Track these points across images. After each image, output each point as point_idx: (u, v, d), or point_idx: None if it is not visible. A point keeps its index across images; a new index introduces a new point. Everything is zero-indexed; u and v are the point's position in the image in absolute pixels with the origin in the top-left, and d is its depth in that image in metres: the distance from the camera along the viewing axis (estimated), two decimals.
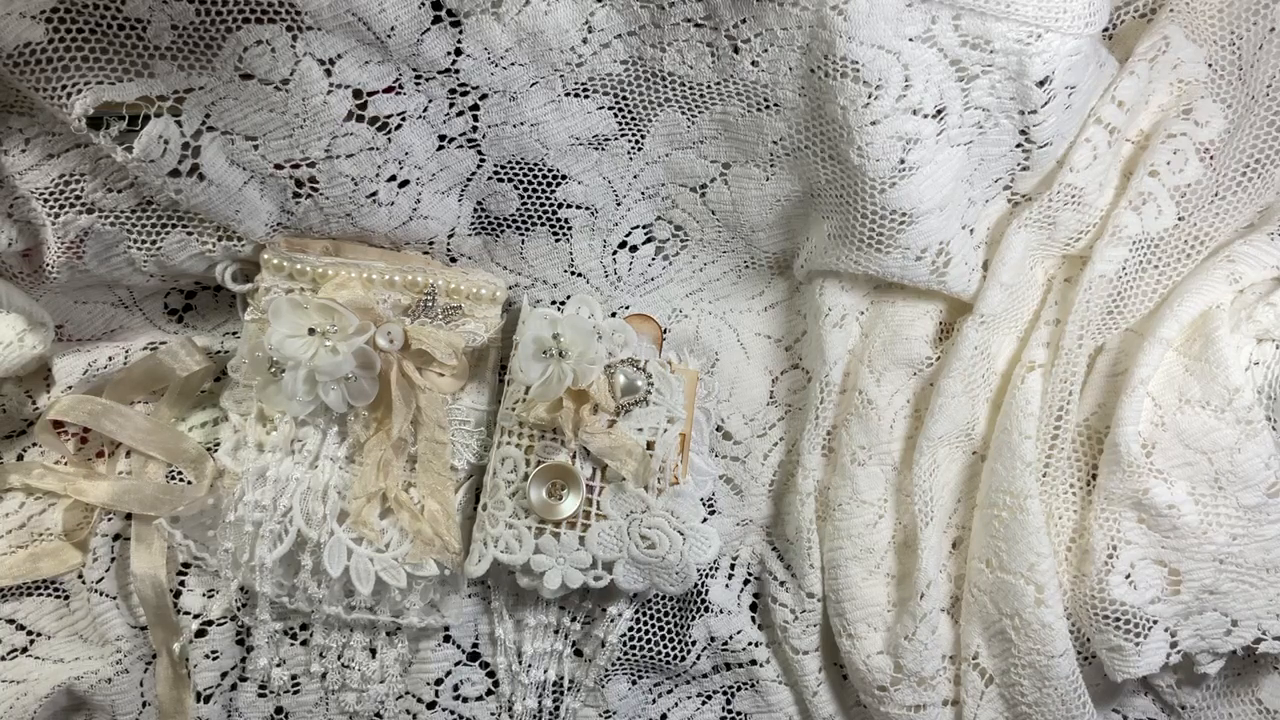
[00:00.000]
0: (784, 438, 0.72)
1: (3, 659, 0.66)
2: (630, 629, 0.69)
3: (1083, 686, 0.64)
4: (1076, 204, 0.66)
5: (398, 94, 0.61)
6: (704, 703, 0.71)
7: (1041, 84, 0.60)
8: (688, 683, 0.71)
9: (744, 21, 0.59)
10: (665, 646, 0.69)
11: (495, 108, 0.63)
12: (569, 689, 0.69)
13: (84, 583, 0.66)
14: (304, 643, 0.68)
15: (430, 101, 0.62)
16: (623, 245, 0.71)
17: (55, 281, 0.64)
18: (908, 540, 0.68)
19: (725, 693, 0.71)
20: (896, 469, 0.68)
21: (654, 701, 0.71)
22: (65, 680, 0.64)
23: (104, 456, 0.68)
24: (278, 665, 0.67)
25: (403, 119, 0.62)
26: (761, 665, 0.70)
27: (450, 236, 0.67)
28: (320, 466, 0.64)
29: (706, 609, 0.69)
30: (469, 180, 0.66)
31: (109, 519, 0.66)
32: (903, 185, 0.61)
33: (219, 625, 0.67)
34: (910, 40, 0.58)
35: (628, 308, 0.72)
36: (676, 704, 0.71)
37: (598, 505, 0.63)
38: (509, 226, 0.68)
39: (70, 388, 0.65)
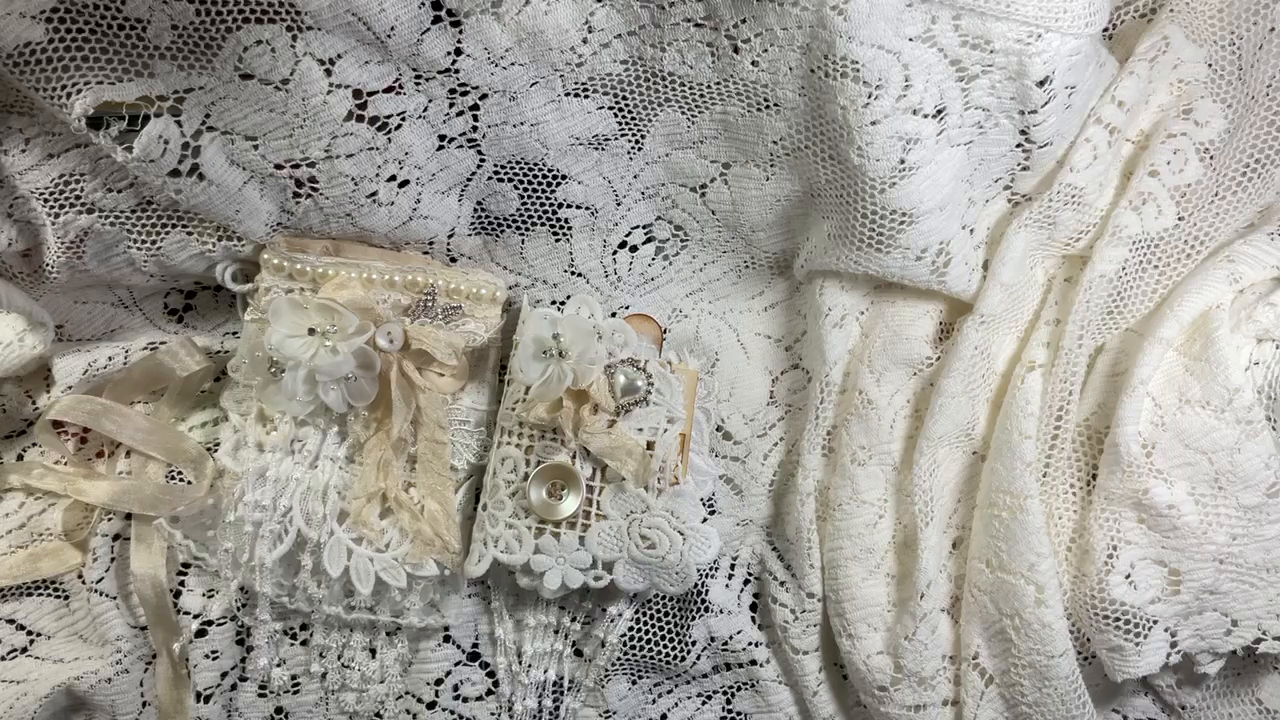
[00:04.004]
0: (784, 438, 0.72)
1: (3, 659, 0.66)
2: (630, 629, 0.69)
3: (1083, 686, 0.64)
4: (1076, 204, 0.66)
5: (398, 94, 0.61)
6: (704, 703, 0.71)
7: (1041, 84, 0.60)
8: (688, 683, 0.71)
9: (744, 21, 0.59)
10: (665, 646, 0.69)
11: (495, 108, 0.63)
12: (569, 689, 0.69)
13: (84, 583, 0.66)
14: (304, 643, 0.68)
15: (430, 101, 0.62)
16: (623, 245, 0.71)
17: (55, 281, 0.64)
18: (908, 540, 0.68)
19: (725, 693, 0.71)
20: (896, 469, 0.68)
21: (654, 701, 0.71)
22: (65, 680, 0.64)
23: (104, 456, 0.68)
24: (278, 665, 0.67)
25: (403, 119, 0.62)
26: (761, 665, 0.70)
27: (450, 236, 0.67)
28: (320, 466, 0.64)
29: (706, 609, 0.69)
30: (469, 180, 0.66)
31: (109, 519, 0.66)
32: (903, 185, 0.61)
33: (219, 625, 0.67)
34: (910, 40, 0.58)
35: (628, 308, 0.72)
36: (676, 704, 0.71)
37: (598, 505, 0.63)
38: (509, 226, 0.68)
39: (70, 388, 0.65)
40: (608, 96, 0.64)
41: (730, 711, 0.71)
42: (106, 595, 0.66)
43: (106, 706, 0.65)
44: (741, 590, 0.71)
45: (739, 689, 0.71)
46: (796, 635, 0.69)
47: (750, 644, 0.70)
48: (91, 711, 0.66)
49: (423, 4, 0.58)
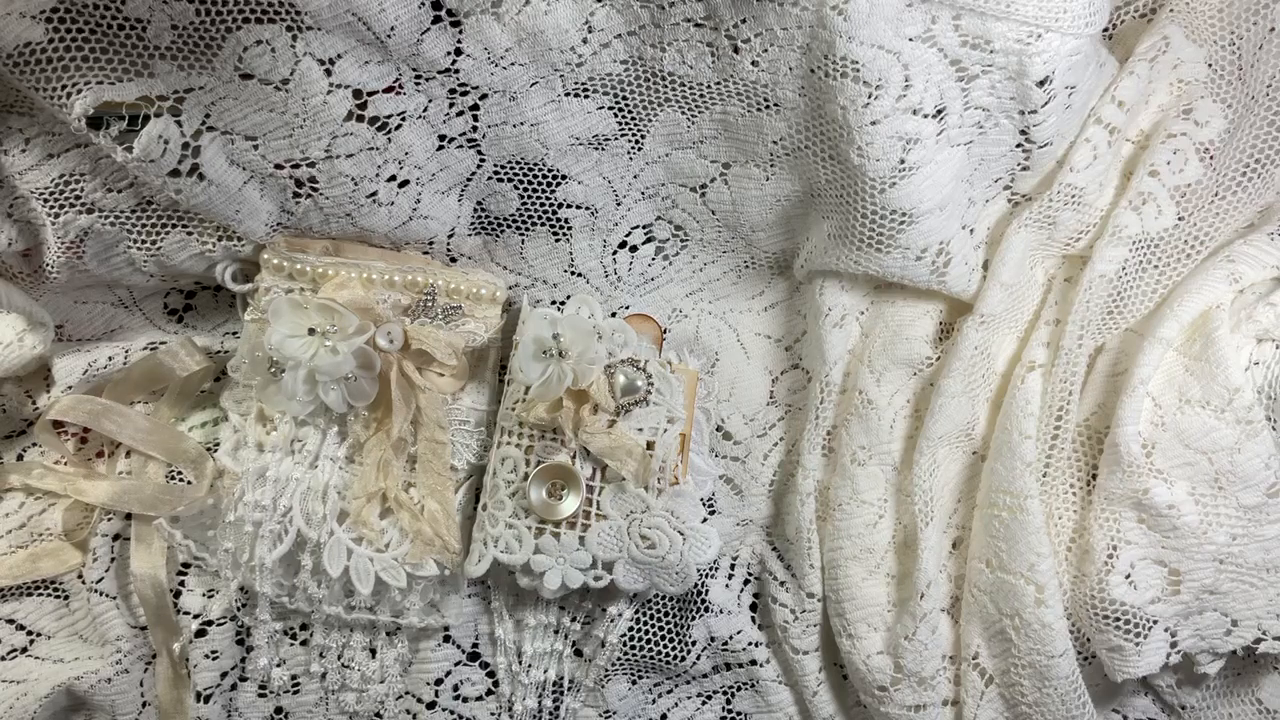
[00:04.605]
0: (784, 438, 0.72)
1: (3, 659, 0.66)
2: (630, 629, 0.69)
3: (1083, 686, 0.64)
4: (1076, 204, 0.66)
5: (398, 94, 0.61)
6: (704, 703, 0.71)
7: (1041, 84, 0.60)
8: (688, 683, 0.71)
9: (744, 21, 0.59)
10: (665, 646, 0.69)
11: (495, 108, 0.63)
12: (569, 689, 0.69)
13: (84, 583, 0.66)
14: (304, 643, 0.68)
15: (430, 101, 0.62)
16: (623, 245, 0.71)
17: (55, 281, 0.64)
18: (908, 540, 0.68)
19: (725, 693, 0.71)
20: (896, 469, 0.68)
21: (654, 702, 0.71)
22: (65, 680, 0.64)
23: (104, 456, 0.68)
24: (278, 665, 0.67)
25: (403, 119, 0.62)
26: (761, 665, 0.70)
27: (450, 236, 0.67)
28: (320, 466, 0.64)
29: (706, 609, 0.69)
30: (469, 180, 0.66)
31: (109, 519, 0.66)
32: (903, 185, 0.61)
33: (219, 625, 0.67)
34: (910, 40, 0.58)
35: (628, 308, 0.72)
36: (676, 704, 0.71)
37: (598, 505, 0.63)
38: (509, 226, 0.68)
39: (70, 388, 0.65)
40: (608, 96, 0.64)
41: (730, 711, 0.71)
42: (106, 595, 0.66)
43: (106, 706, 0.65)
44: (741, 590, 0.71)
45: (739, 689, 0.71)
46: (796, 635, 0.69)
47: (750, 644, 0.70)
48: (91, 711, 0.66)
49: (423, 4, 0.58)
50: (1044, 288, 0.69)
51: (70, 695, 0.65)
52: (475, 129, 0.64)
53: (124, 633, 0.65)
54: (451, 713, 0.69)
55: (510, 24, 0.60)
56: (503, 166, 0.66)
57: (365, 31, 0.57)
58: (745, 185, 0.68)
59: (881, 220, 0.63)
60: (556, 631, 0.68)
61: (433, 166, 0.65)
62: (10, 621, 0.66)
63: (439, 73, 0.61)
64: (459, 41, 0.60)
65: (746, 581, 0.71)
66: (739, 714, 0.71)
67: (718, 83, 0.63)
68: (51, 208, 0.61)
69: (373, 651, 0.68)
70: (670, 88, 0.64)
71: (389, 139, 0.62)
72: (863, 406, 0.68)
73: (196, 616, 0.67)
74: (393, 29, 0.58)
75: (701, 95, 0.64)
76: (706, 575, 0.70)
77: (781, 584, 0.70)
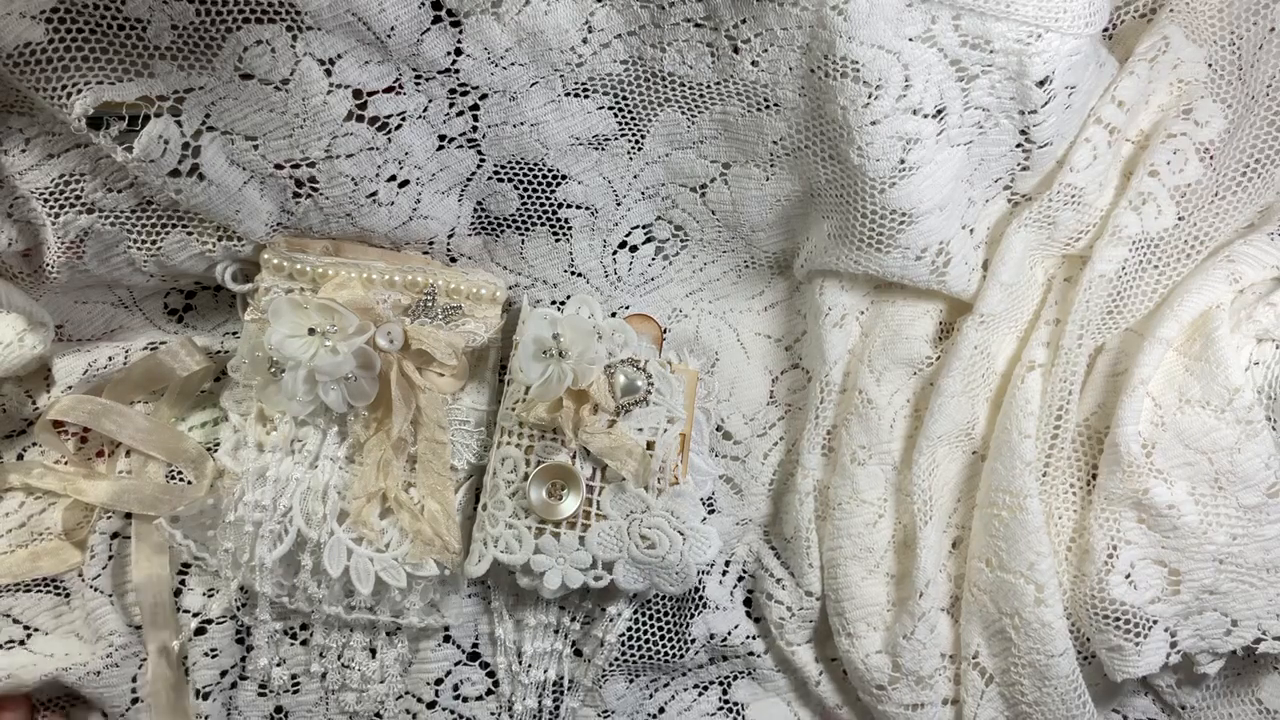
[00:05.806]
0: (784, 438, 0.72)
1: None
2: (629, 628, 0.69)
3: (1083, 686, 0.64)
4: (1076, 204, 0.66)
5: (398, 94, 0.61)
6: (701, 693, 0.71)
7: (1041, 84, 0.60)
8: (684, 674, 0.71)
9: (744, 21, 0.59)
10: (664, 645, 0.69)
11: (495, 108, 0.63)
12: (569, 689, 0.69)
13: (83, 579, 0.66)
14: (304, 643, 0.68)
15: (430, 101, 0.62)
16: (623, 245, 0.71)
17: (55, 281, 0.64)
18: (907, 539, 0.68)
19: (721, 683, 0.71)
20: (896, 468, 0.68)
21: (651, 696, 0.71)
22: (53, 671, 0.63)
23: (104, 456, 0.68)
24: (278, 665, 0.67)
25: (403, 119, 0.62)
26: (759, 656, 0.70)
27: (450, 236, 0.67)
28: (320, 466, 0.64)
29: (705, 607, 0.69)
30: (469, 180, 0.66)
31: (108, 517, 0.66)
32: (903, 185, 0.61)
33: (219, 624, 0.67)
34: (910, 40, 0.58)
35: (628, 308, 0.72)
36: (674, 696, 0.71)
37: (598, 505, 0.63)
38: (509, 226, 0.68)
39: (70, 388, 0.65)
40: (608, 96, 0.64)
41: (727, 700, 0.71)
42: (101, 592, 0.66)
43: (95, 699, 0.65)
44: (735, 586, 0.71)
45: (736, 678, 0.71)
46: (791, 632, 0.69)
47: (748, 637, 0.70)
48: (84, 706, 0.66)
49: (423, 4, 0.58)
50: (1044, 287, 0.69)
51: (58, 687, 0.64)
52: (475, 129, 0.64)
53: (118, 628, 0.65)
54: (451, 713, 0.69)
55: (510, 24, 0.60)
56: (503, 166, 0.66)
57: (365, 31, 0.57)
58: (745, 185, 0.68)
59: (881, 220, 0.63)
60: (556, 631, 0.68)
61: (433, 166, 0.65)
62: (6, 615, 0.66)
63: (439, 73, 0.61)
64: (459, 41, 0.60)
65: (740, 579, 0.71)
66: (736, 703, 0.71)
67: (718, 83, 0.63)
68: (51, 208, 0.61)
69: (373, 651, 0.68)
70: (670, 88, 0.64)
71: (389, 139, 0.62)
72: (863, 406, 0.68)
73: (196, 615, 0.67)
74: (393, 29, 0.58)
75: (701, 95, 0.64)
76: (703, 573, 0.70)
77: (778, 581, 0.70)
